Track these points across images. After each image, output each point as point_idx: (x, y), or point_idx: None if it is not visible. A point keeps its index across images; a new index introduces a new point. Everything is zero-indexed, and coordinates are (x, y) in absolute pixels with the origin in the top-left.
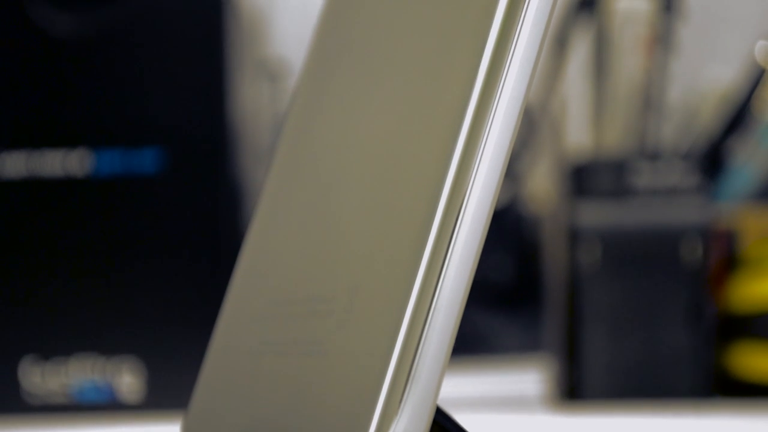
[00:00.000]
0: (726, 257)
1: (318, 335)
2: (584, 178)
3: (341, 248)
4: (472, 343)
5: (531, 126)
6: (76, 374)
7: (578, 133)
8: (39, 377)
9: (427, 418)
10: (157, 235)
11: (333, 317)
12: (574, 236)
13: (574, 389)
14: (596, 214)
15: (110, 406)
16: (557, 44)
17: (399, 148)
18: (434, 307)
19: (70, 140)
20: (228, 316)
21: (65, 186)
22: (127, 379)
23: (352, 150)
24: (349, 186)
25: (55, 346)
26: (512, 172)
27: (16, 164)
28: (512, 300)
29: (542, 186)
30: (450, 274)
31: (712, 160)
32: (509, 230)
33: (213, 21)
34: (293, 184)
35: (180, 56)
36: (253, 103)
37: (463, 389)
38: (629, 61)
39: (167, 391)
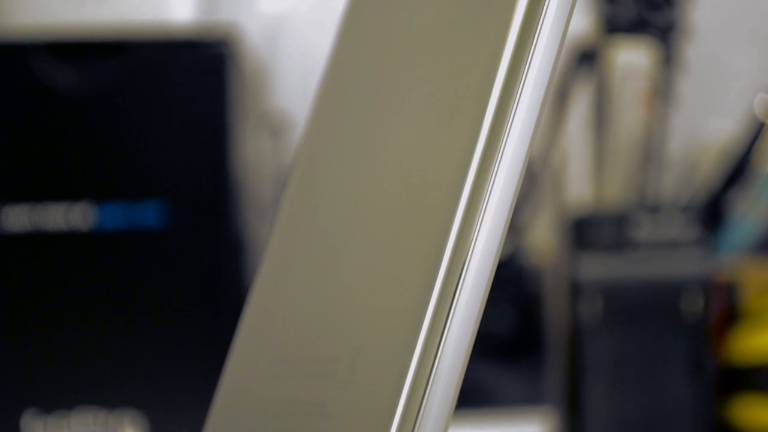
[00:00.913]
0: (726, 309)
1: (321, 396)
2: (585, 231)
3: (344, 308)
4: (473, 395)
5: (532, 178)
6: (78, 428)
7: (579, 185)
8: (41, 431)
9: None
10: (160, 288)
11: (335, 378)
12: (575, 289)
13: None
14: (597, 267)
15: None
16: (558, 97)
17: (402, 205)
18: (437, 367)
19: (73, 194)
20: (231, 374)
21: (68, 239)
22: None
23: (355, 207)
24: (352, 244)
25: (57, 400)
26: (513, 224)
27: (19, 217)
28: (513, 352)
29: (543, 238)
30: (452, 332)
31: (713, 213)
32: (510, 282)
33: (215, 75)
34: (297, 240)
35: (183, 110)
36: (255, 156)
37: None
38: (629, 115)
39: None
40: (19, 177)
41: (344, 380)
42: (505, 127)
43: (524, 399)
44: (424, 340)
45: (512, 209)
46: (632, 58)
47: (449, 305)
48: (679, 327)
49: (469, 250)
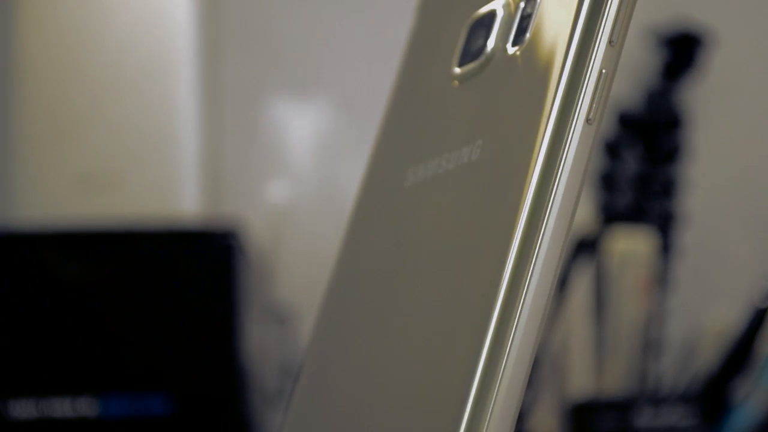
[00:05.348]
0: None
1: None
2: (586, 418)
3: None
4: None
5: (533, 365)
6: None
7: (580, 371)
8: None
9: None
10: None
11: None
12: None
13: None
14: None
15: None
16: (558, 284)
17: (410, 410)
18: None
19: (79, 385)
20: None
21: (74, 427)
22: None
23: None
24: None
25: None
26: None
27: (26, 408)
28: None
29: (544, 424)
30: None
31: (712, 399)
32: None
33: (223, 266)
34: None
35: (190, 301)
36: (261, 346)
37: None
38: (629, 302)
39: None
40: (25, 370)
41: None
42: (514, 318)
43: None
44: None
45: (521, 402)
46: (631, 245)
47: None
48: None
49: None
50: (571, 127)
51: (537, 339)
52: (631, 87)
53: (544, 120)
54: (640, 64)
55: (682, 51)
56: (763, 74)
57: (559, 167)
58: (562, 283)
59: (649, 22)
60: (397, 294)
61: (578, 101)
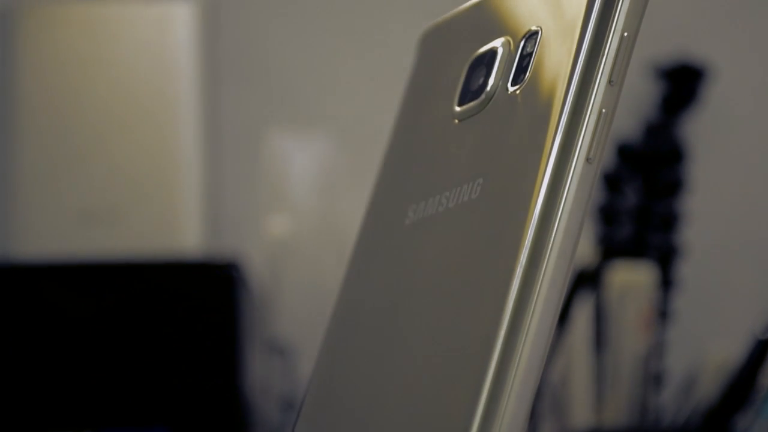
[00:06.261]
0: None
1: None
2: None
3: None
4: None
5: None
6: None
7: (580, 403)
8: None
9: None
10: None
11: None
12: None
13: None
14: None
15: None
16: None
17: None
18: None
19: (79, 419)
20: None
21: None
22: None
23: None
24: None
25: None
26: None
27: None
28: None
29: None
30: None
31: (713, 431)
32: None
33: (225, 297)
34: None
35: (192, 333)
36: (262, 379)
37: None
38: (629, 334)
39: None
40: (26, 403)
41: None
42: (515, 359)
43: None
44: None
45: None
46: (631, 278)
47: None
48: None
49: None
50: (571, 167)
51: (538, 376)
52: (630, 119)
53: (544, 159)
54: (640, 96)
55: (681, 84)
56: (761, 107)
57: (559, 206)
58: (563, 315)
59: (649, 56)
60: (399, 332)
61: (578, 141)
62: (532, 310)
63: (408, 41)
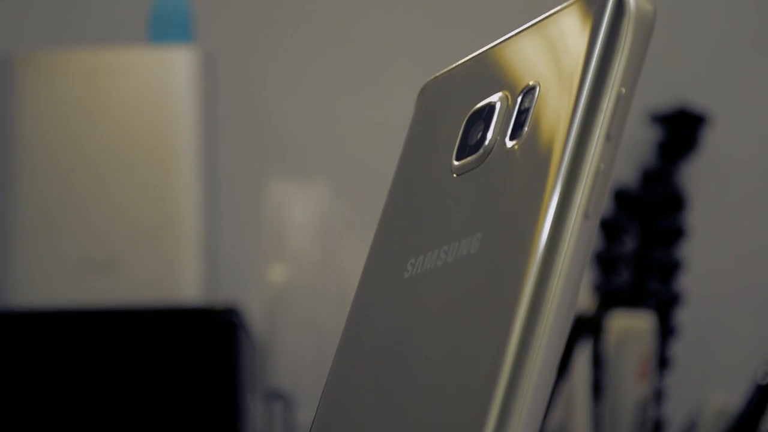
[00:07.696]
0: None
1: None
2: None
3: None
4: None
5: None
6: None
7: None
8: None
9: None
10: None
11: None
12: None
13: None
14: None
15: None
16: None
17: None
18: None
19: None
20: None
21: None
22: None
23: None
24: None
25: None
26: None
27: None
28: None
29: None
30: None
31: None
32: None
33: (226, 344)
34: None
35: (192, 381)
36: (261, 429)
37: None
38: (627, 382)
39: None
40: None
41: None
42: (515, 416)
43: None
44: None
45: None
46: (629, 324)
47: None
48: None
49: None
50: (570, 223)
51: (537, 428)
52: (628, 166)
53: (542, 215)
54: (638, 143)
55: (679, 131)
56: (758, 154)
57: (558, 263)
58: (562, 364)
59: (647, 103)
60: (398, 387)
61: (577, 197)
62: (531, 367)
63: (408, 93)
